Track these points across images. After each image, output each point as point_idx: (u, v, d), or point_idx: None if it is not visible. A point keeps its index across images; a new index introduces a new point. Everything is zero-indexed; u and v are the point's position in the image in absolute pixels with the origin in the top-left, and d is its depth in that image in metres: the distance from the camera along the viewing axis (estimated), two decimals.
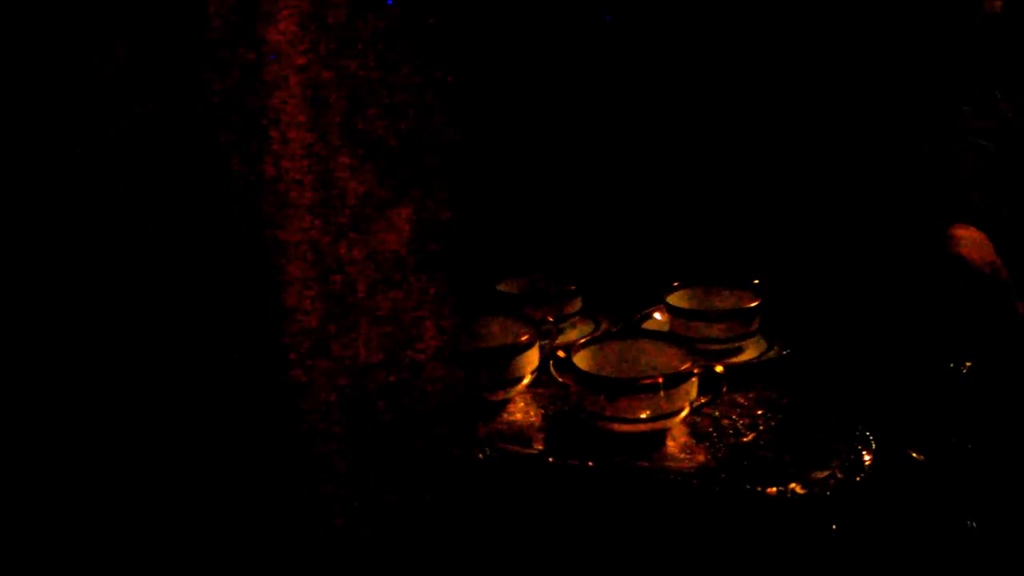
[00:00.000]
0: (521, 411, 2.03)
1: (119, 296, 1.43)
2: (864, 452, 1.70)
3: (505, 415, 2.02)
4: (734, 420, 1.90)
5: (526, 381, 2.05)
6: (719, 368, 1.87)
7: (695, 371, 1.86)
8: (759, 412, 1.92)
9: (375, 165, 1.43)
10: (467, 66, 1.52)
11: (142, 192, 1.40)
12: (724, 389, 1.88)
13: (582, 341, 1.99)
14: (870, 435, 1.74)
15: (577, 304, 2.31)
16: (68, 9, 1.38)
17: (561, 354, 1.99)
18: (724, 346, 2.09)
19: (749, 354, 2.11)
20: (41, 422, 1.49)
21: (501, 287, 2.36)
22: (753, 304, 2.09)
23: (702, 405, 1.89)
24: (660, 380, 1.83)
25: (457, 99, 1.49)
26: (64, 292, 1.45)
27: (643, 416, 1.83)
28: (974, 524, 1.80)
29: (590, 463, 1.79)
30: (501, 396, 2.03)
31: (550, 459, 1.83)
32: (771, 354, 2.08)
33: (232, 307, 1.43)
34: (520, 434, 1.95)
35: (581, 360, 1.94)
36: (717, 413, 1.93)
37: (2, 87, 1.40)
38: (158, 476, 1.48)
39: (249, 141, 1.37)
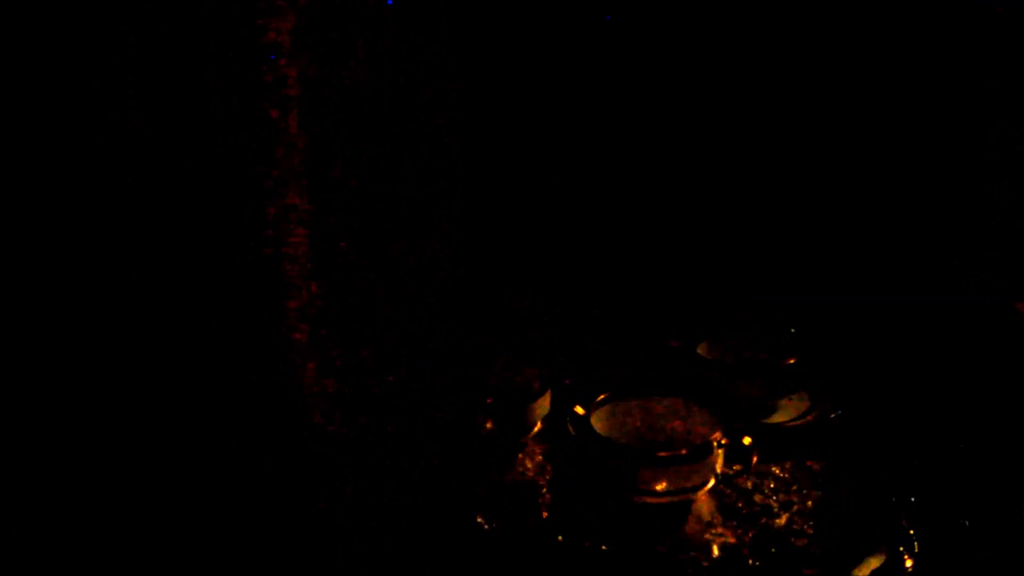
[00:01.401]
0: (532, 465, 1.87)
1: (120, 294, 1.39)
2: (906, 556, 1.52)
3: (515, 468, 1.86)
4: (767, 495, 1.72)
5: (536, 429, 1.89)
6: (747, 440, 1.70)
7: (723, 442, 1.69)
8: (794, 488, 1.74)
9: (380, 172, 1.37)
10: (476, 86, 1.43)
11: (143, 192, 1.34)
12: (755, 460, 1.71)
13: (601, 398, 1.82)
14: (912, 532, 1.56)
15: None
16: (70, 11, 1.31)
17: (579, 410, 1.82)
18: (758, 404, 1.92)
19: (785, 414, 1.92)
20: (43, 418, 1.44)
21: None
22: (791, 360, 1.90)
23: (732, 475, 1.72)
24: (684, 452, 1.67)
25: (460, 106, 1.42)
26: (65, 290, 1.40)
27: (663, 488, 1.67)
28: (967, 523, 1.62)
29: (602, 547, 1.62)
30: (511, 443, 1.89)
31: (559, 538, 1.66)
32: (810, 417, 1.89)
33: (231, 311, 1.37)
34: (529, 495, 1.79)
35: (599, 421, 1.77)
36: (749, 484, 1.75)
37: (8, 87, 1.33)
38: (154, 477, 1.45)
39: (248, 144, 1.31)
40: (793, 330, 1.98)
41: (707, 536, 1.65)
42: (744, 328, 2.05)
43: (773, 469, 1.79)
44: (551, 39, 1.95)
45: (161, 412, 1.42)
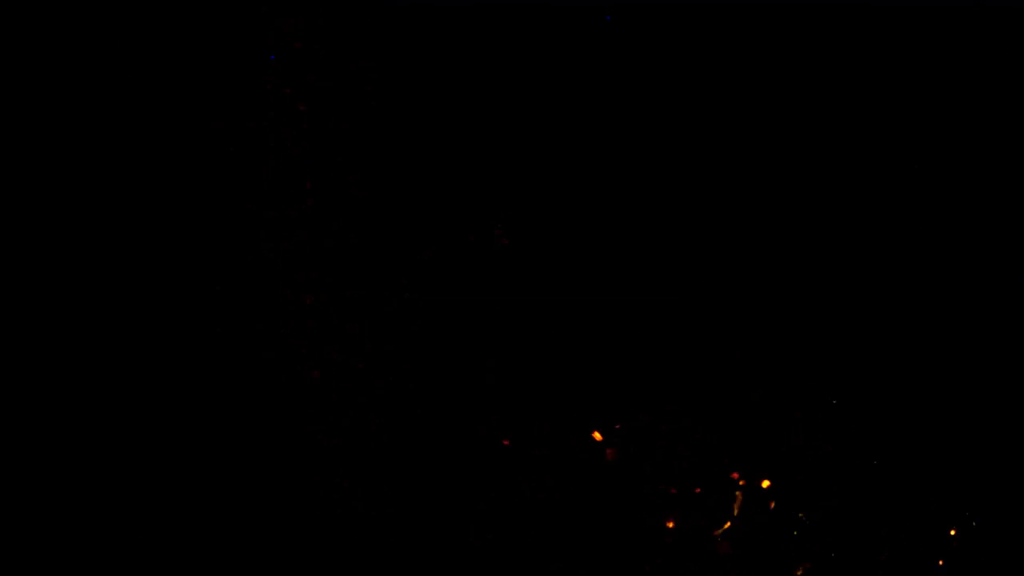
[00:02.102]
0: (541, 487, 1.79)
1: (124, 295, 1.42)
2: None
3: (522, 488, 1.79)
4: (785, 543, 1.62)
5: (550, 450, 1.83)
6: (766, 483, 1.59)
7: (740, 483, 1.59)
8: (816, 537, 1.62)
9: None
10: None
11: (145, 195, 1.38)
12: (772, 506, 1.60)
13: (618, 427, 1.73)
14: None
15: None
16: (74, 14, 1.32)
17: (598, 436, 1.74)
18: (785, 445, 1.80)
19: (816, 458, 1.80)
20: (47, 421, 1.48)
21: None
22: (828, 403, 1.78)
23: (749, 518, 1.62)
24: (697, 491, 1.58)
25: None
26: (70, 290, 1.43)
27: (673, 527, 1.58)
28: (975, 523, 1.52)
29: None
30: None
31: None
32: (841, 463, 1.77)
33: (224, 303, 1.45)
34: (530, 517, 1.72)
35: (614, 449, 1.69)
36: (767, 530, 1.65)
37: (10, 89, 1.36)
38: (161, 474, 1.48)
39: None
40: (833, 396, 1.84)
41: None
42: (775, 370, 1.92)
43: (799, 515, 1.68)
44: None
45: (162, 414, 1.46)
